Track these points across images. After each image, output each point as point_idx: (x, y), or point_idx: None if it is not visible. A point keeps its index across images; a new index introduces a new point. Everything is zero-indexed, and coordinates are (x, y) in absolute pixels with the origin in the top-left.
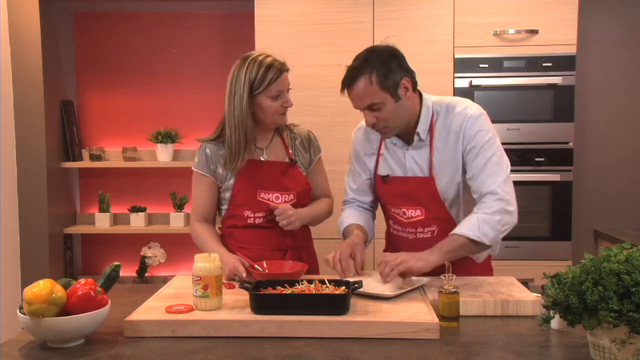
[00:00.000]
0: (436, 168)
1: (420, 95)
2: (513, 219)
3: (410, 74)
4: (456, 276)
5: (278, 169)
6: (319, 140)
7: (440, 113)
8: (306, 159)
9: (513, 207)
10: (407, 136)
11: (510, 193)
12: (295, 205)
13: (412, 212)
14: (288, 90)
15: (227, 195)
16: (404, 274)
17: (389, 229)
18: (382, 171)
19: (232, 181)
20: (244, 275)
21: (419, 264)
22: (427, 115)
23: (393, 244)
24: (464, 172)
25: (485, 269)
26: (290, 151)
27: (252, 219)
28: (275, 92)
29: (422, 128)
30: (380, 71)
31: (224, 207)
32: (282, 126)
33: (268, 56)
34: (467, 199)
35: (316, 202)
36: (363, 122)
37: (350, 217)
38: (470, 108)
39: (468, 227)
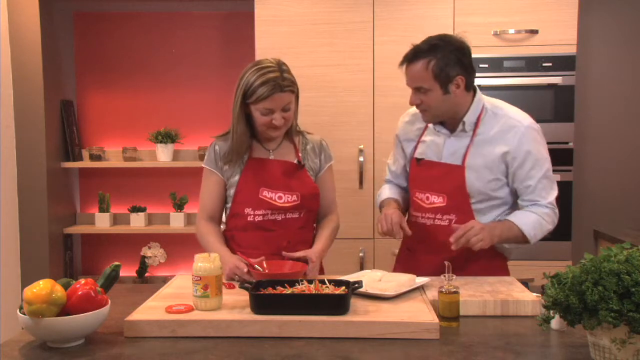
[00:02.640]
0: (470, 159)
1: (475, 92)
2: (552, 229)
3: (468, 72)
4: (456, 276)
5: (284, 168)
6: None
7: (489, 110)
8: (316, 165)
9: (557, 220)
10: (452, 125)
11: (557, 211)
12: (299, 208)
13: (435, 197)
14: (286, 110)
15: (232, 192)
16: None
17: (409, 218)
18: (419, 154)
19: (237, 178)
20: (245, 270)
21: (480, 243)
22: (476, 109)
23: (413, 234)
24: (504, 175)
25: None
26: (300, 155)
27: (252, 216)
28: (264, 109)
29: (469, 119)
30: (439, 61)
31: (229, 205)
32: (295, 130)
33: (274, 70)
34: (496, 204)
35: (324, 229)
36: (411, 109)
37: (388, 190)
38: (520, 115)
39: (527, 223)
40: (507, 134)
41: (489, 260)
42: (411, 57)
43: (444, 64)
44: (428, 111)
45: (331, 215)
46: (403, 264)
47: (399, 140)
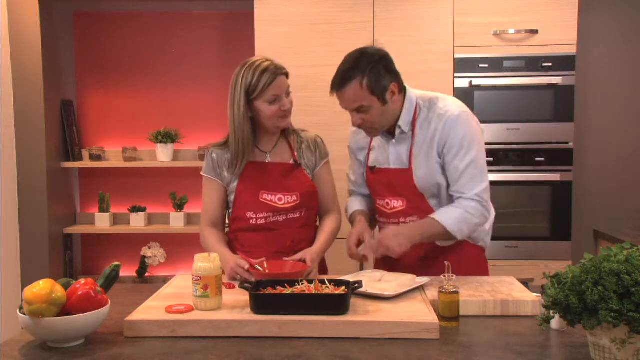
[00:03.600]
0: (415, 160)
1: (405, 91)
2: (485, 222)
3: (398, 77)
4: (456, 276)
5: (281, 170)
6: None
7: (423, 108)
8: (312, 162)
9: (490, 214)
10: (391, 130)
11: (489, 201)
12: (300, 207)
13: (394, 202)
14: (288, 94)
15: (232, 197)
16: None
17: (377, 223)
18: (371, 163)
19: (235, 183)
20: (247, 267)
21: (399, 248)
22: (409, 109)
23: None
24: (444, 170)
25: (481, 264)
26: (296, 154)
27: (255, 219)
28: (272, 97)
29: (404, 121)
30: (370, 76)
31: (230, 210)
32: (289, 130)
33: (265, 60)
34: (448, 195)
35: (324, 228)
36: None
37: (354, 203)
38: (451, 105)
39: (449, 218)
40: (438, 126)
41: (464, 250)
42: (341, 82)
43: (375, 77)
44: (372, 127)
45: (332, 212)
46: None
47: (352, 151)
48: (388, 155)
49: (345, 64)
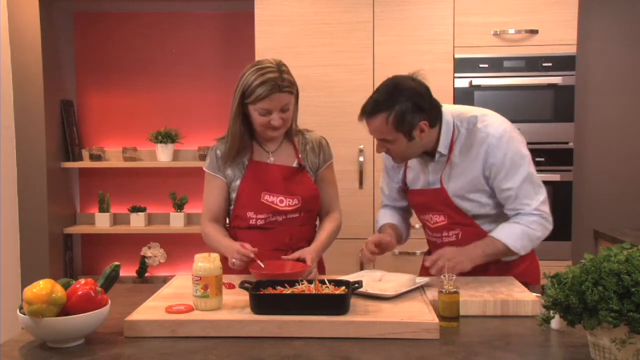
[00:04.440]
0: (450, 179)
1: (440, 120)
2: (547, 234)
3: (430, 113)
4: (456, 276)
5: (284, 173)
6: None
7: (461, 129)
8: (315, 164)
9: (551, 224)
10: (430, 152)
11: (549, 212)
12: (300, 210)
13: (436, 217)
14: (285, 110)
15: (234, 195)
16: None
17: (425, 236)
18: (408, 182)
19: (238, 182)
20: (250, 249)
21: (460, 265)
22: (447, 133)
23: (429, 248)
24: (490, 191)
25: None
26: (300, 156)
27: (254, 220)
28: (262, 110)
29: (443, 145)
30: (398, 113)
31: (231, 207)
32: (294, 130)
33: (273, 70)
34: (493, 205)
35: (324, 227)
36: None
37: (385, 216)
38: (491, 126)
39: (510, 235)
40: (480, 148)
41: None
42: (370, 111)
43: (402, 115)
44: (397, 156)
45: (333, 213)
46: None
47: (386, 168)
48: (426, 176)
49: (378, 93)
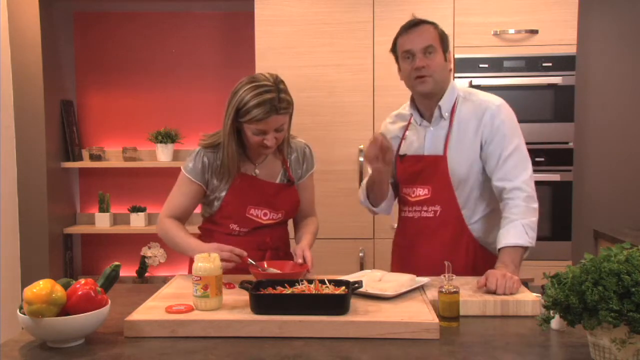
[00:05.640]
0: (451, 148)
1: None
2: (536, 212)
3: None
4: (456, 276)
5: (273, 189)
6: (319, 142)
7: (462, 98)
8: (298, 174)
9: (536, 202)
10: (429, 111)
11: (533, 187)
12: (281, 222)
13: (420, 190)
14: (280, 130)
15: (216, 204)
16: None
17: (399, 214)
18: (402, 151)
19: (223, 193)
20: (228, 248)
21: (517, 283)
22: (451, 95)
23: (400, 230)
24: (481, 160)
25: None
26: (291, 171)
27: (237, 231)
28: (257, 130)
29: (444, 105)
30: (441, 30)
31: (208, 210)
32: (286, 144)
33: (270, 90)
34: (479, 193)
35: (307, 227)
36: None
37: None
38: (491, 96)
39: (519, 236)
40: (479, 116)
41: (475, 253)
42: (417, 22)
43: (443, 32)
44: (431, 76)
45: (311, 217)
46: (397, 259)
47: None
48: (423, 141)
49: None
